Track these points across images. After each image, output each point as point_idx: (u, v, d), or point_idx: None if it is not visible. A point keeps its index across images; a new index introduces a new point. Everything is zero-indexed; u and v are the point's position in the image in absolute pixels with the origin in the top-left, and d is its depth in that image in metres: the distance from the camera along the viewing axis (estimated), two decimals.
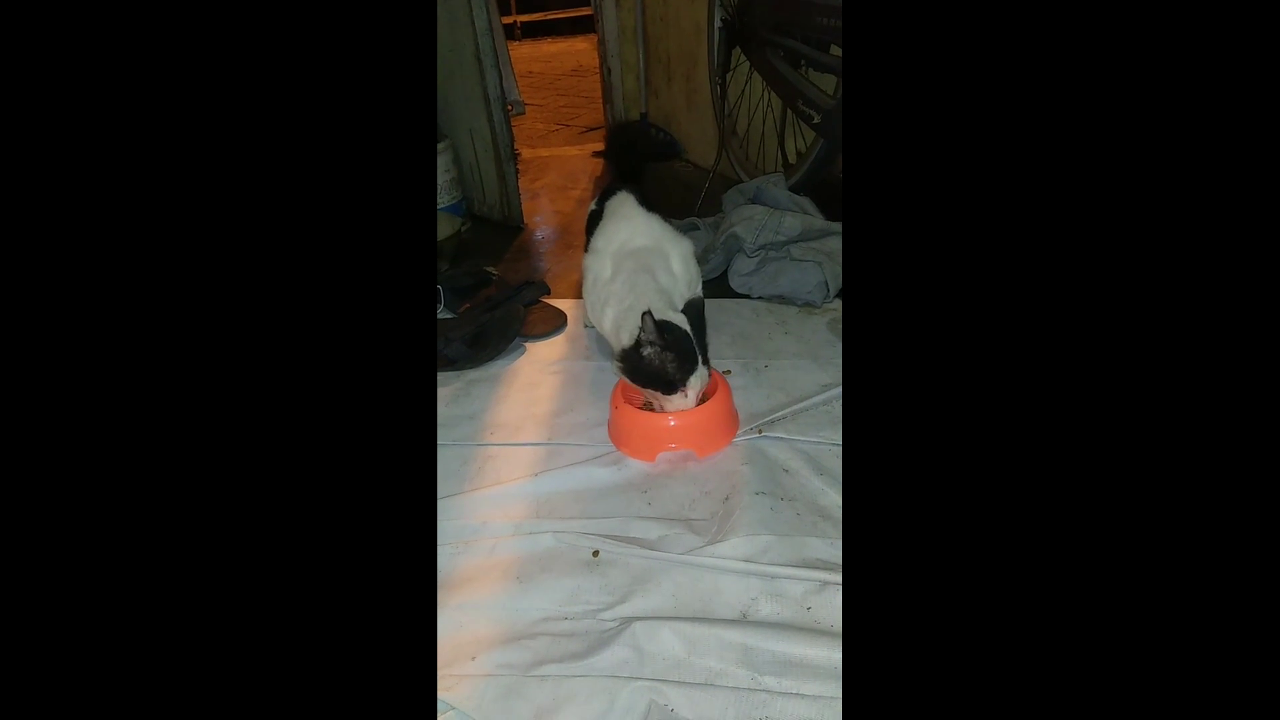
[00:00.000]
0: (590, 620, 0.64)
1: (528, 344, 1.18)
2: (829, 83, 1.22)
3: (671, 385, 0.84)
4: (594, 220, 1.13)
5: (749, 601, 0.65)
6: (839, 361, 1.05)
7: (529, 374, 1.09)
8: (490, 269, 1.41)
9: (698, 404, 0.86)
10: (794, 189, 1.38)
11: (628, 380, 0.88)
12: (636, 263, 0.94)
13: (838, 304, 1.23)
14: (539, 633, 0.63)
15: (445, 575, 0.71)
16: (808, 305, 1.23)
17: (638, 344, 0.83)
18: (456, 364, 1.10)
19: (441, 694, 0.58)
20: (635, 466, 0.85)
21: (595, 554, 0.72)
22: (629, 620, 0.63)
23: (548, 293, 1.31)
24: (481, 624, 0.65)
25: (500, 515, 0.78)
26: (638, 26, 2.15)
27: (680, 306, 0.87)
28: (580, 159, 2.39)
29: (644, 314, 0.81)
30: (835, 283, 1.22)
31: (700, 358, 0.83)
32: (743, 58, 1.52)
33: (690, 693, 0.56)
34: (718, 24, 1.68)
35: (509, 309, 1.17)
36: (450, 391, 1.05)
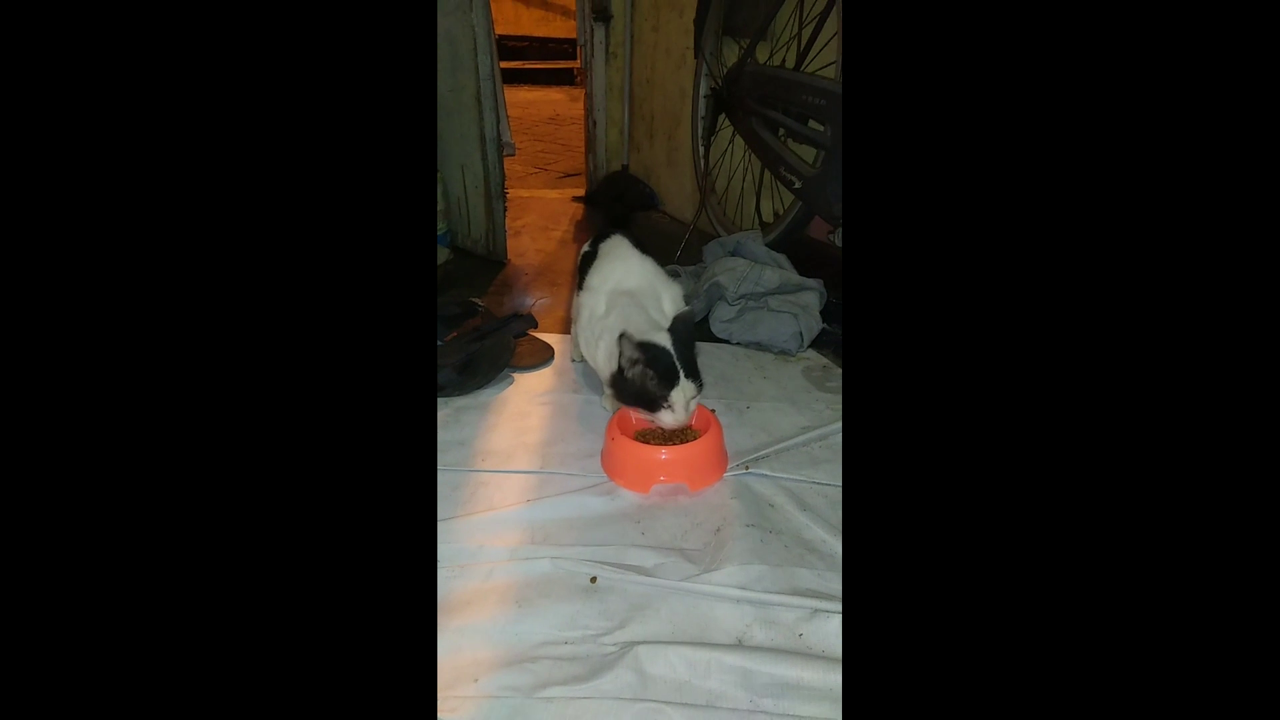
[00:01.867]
0: (591, 644, 0.65)
1: (516, 375, 1.20)
2: (809, 153, 1.34)
3: (655, 403, 0.87)
4: (587, 261, 1.18)
5: (744, 627, 0.68)
6: (816, 406, 1.12)
7: (518, 404, 1.11)
8: (476, 300, 1.43)
9: (689, 422, 0.89)
10: (771, 246, 1.48)
11: (623, 405, 0.92)
12: (631, 300, 0.99)
13: (811, 353, 1.31)
14: (541, 656, 0.64)
15: (443, 598, 0.70)
16: (783, 353, 1.31)
17: (620, 368, 0.88)
18: (445, 390, 1.11)
19: (446, 715, 0.57)
20: (628, 497, 0.88)
21: (593, 580, 0.73)
22: (630, 645, 0.64)
23: (535, 325, 1.34)
24: (482, 647, 0.64)
25: (496, 540, 0.79)
26: (625, 85, 2.29)
27: None
28: (560, 202, 2.47)
29: (620, 335, 0.86)
30: (809, 334, 1.31)
31: (682, 372, 0.87)
32: (726, 122, 1.64)
33: (692, 714, 0.58)
34: (704, 91, 1.82)
35: (499, 339, 1.19)
36: (440, 417, 1.05)
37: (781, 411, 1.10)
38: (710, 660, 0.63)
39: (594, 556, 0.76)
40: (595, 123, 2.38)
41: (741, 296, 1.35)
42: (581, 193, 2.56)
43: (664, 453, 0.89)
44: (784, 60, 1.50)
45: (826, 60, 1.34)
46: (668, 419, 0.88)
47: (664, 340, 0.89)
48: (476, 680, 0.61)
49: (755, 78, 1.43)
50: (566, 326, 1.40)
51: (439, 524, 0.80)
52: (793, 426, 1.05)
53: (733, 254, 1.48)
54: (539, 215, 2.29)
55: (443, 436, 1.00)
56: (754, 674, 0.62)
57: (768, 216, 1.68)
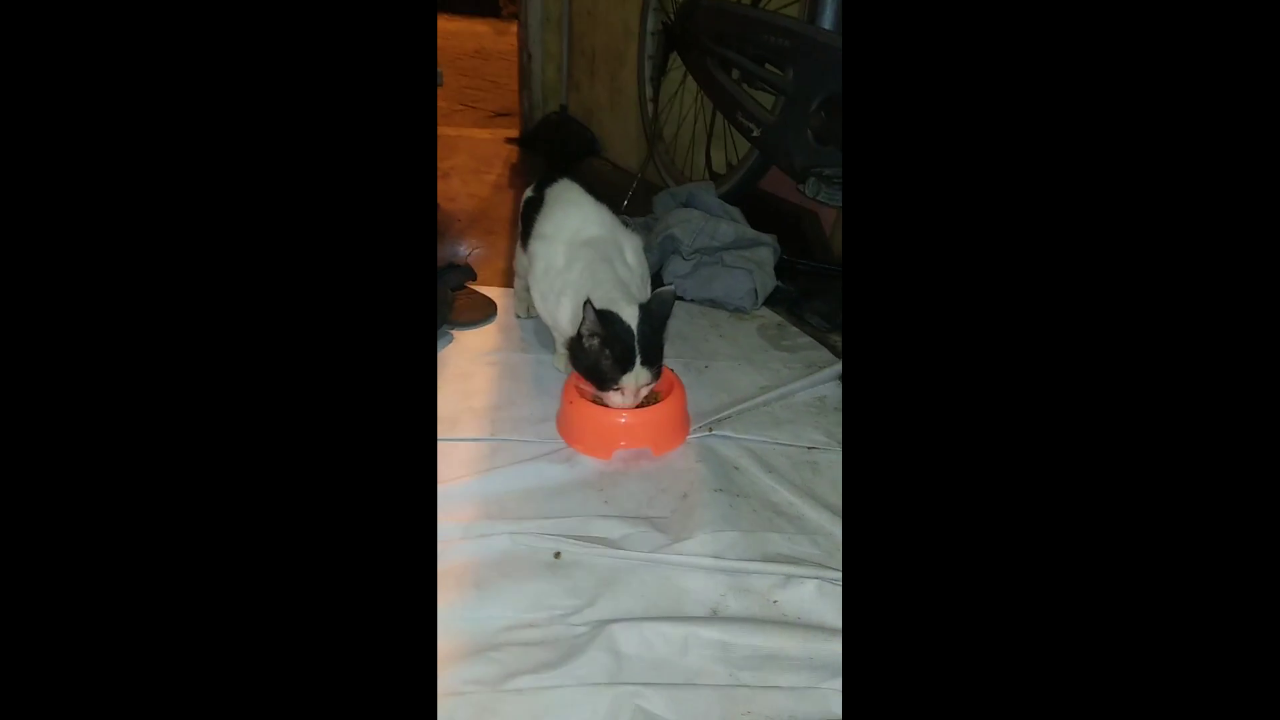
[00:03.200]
0: (560, 626, 0.61)
1: (455, 332, 1.09)
2: (767, 99, 1.27)
3: (604, 382, 0.82)
4: (532, 207, 1.08)
5: (718, 598, 0.65)
6: (773, 365, 1.09)
7: (460, 364, 1.01)
8: None
9: (640, 403, 0.84)
10: (723, 198, 1.42)
11: (574, 370, 0.85)
12: (594, 252, 0.91)
13: (765, 311, 1.29)
14: (506, 643, 0.58)
15: None
16: (738, 310, 1.28)
17: (579, 335, 0.81)
18: None
19: None
20: (588, 464, 0.82)
21: (557, 555, 0.68)
22: (602, 624, 0.60)
23: (474, 278, 1.23)
24: (440, 637, 0.58)
25: (446, 517, 0.71)
26: (564, 16, 2.11)
27: (640, 299, 0.85)
28: (492, 143, 2.28)
29: (585, 303, 0.79)
30: (764, 291, 1.28)
31: (639, 358, 0.80)
32: (678, 64, 1.54)
33: (673, 694, 0.55)
34: (653, 27, 1.70)
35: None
36: None
37: (740, 371, 1.07)
38: (687, 635, 0.60)
39: (556, 530, 0.71)
40: (530, 56, 2.18)
41: (696, 251, 1.29)
42: (514, 134, 2.37)
43: (627, 416, 0.83)
44: None
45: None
46: (615, 400, 0.83)
47: (630, 317, 0.81)
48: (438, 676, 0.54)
49: (712, 13, 1.34)
50: (508, 279, 1.30)
51: None
52: (752, 386, 1.02)
53: (684, 205, 1.41)
54: (469, 156, 2.10)
55: None
56: (732, 646, 0.60)
57: (719, 167, 1.61)
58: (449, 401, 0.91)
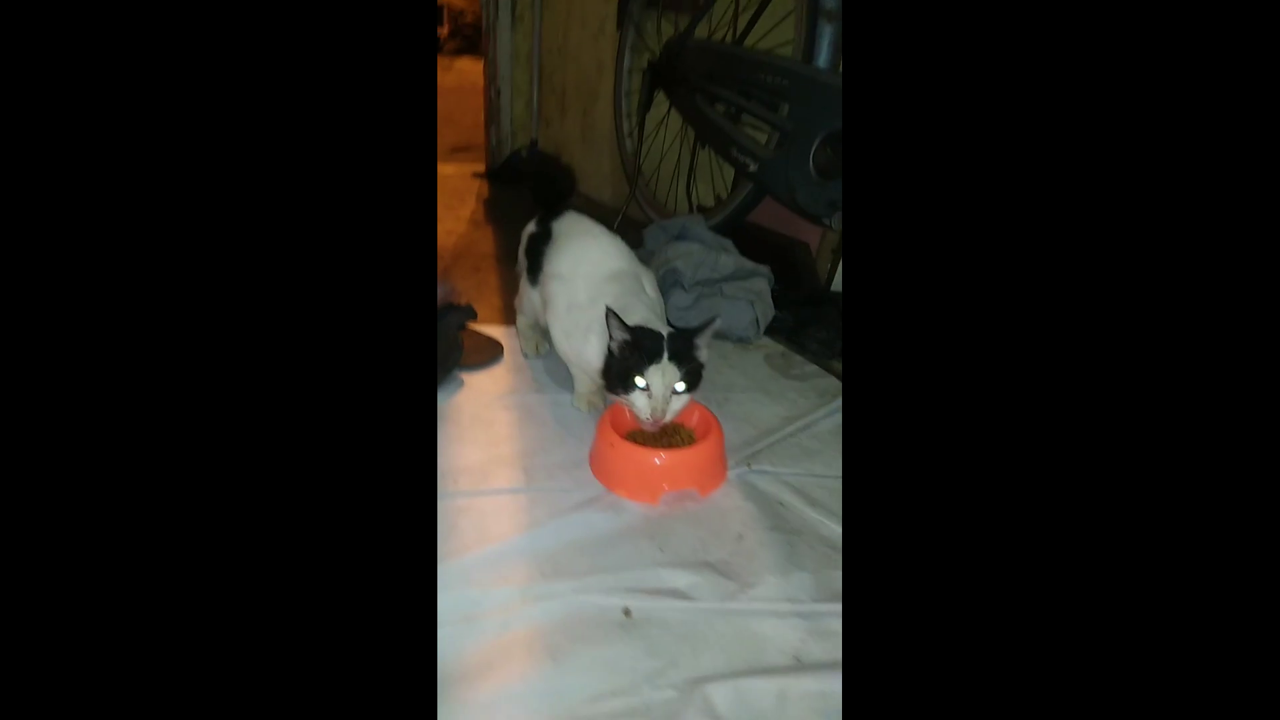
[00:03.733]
0: (649, 690, 0.56)
1: (464, 375, 1.03)
2: (761, 134, 1.31)
3: (629, 377, 0.79)
4: (539, 242, 1.05)
5: (798, 644, 0.63)
6: (789, 395, 1.10)
7: (477, 410, 0.95)
8: None
9: (665, 415, 0.81)
10: (714, 230, 1.44)
11: (608, 392, 0.84)
12: (620, 285, 0.89)
13: (767, 340, 1.29)
14: (596, 715, 0.53)
15: (455, 663, 0.56)
16: (741, 341, 1.28)
17: (610, 350, 0.81)
18: None
19: None
20: (634, 510, 0.79)
21: (627, 613, 0.64)
22: (692, 684, 0.56)
23: (474, 317, 1.17)
24: (523, 715, 0.52)
25: (501, 579, 0.66)
26: (533, 53, 2.11)
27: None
28: (459, 178, 2.23)
29: (607, 310, 0.79)
30: (764, 320, 1.29)
31: (667, 354, 0.79)
32: (661, 99, 1.56)
33: None
34: (630, 65, 1.72)
35: (441, 336, 1.02)
36: None
37: (758, 402, 1.06)
38: (781, 688, 0.57)
39: (618, 584, 0.67)
40: (499, 92, 2.17)
41: (698, 283, 1.29)
42: (477, 168, 2.33)
43: (671, 457, 0.80)
44: (725, 36, 1.46)
45: (779, 39, 1.31)
46: (640, 402, 0.80)
47: (661, 328, 0.81)
48: None
49: (701, 52, 1.37)
50: (505, 317, 1.25)
51: None
52: (774, 417, 1.02)
53: (677, 238, 1.42)
54: (438, 192, 2.04)
55: None
56: (829, 695, 0.57)
57: (706, 200, 1.63)
58: (475, 451, 0.86)
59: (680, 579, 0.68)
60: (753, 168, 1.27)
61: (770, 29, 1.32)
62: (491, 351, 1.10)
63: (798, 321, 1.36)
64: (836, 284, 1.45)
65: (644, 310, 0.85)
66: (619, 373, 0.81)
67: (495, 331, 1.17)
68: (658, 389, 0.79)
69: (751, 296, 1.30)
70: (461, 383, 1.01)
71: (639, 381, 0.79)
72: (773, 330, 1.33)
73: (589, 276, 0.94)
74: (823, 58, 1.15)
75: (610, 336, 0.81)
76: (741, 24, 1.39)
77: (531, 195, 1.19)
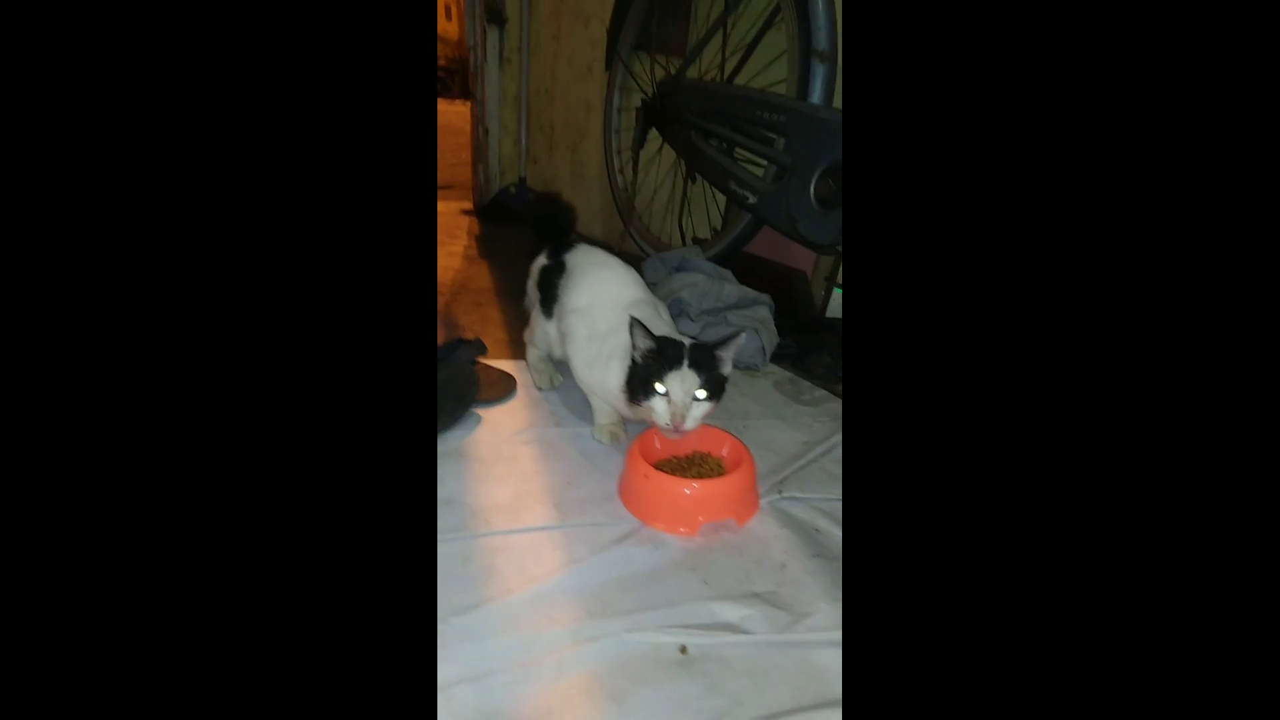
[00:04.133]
0: None
1: (479, 410, 1.01)
2: (758, 168, 1.34)
3: (650, 383, 0.80)
4: (550, 274, 1.05)
5: None
6: (804, 420, 1.10)
7: (498, 446, 0.93)
8: None
9: (683, 423, 0.80)
10: (711, 261, 1.46)
11: (632, 403, 0.83)
12: (640, 313, 0.89)
13: (774, 367, 1.31)
14: None
15: (515, 711, 0.53)
16: (749, 368, 1.29)
17: (633, 360, 0.82)
18: None
19: None
20: (672, 543, 0.77)
21: (683, 650, 0.61)
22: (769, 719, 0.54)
23: (484, 351, 1.16)
24: None
25: (548, 621, 0.63)
26: (521, 94, 2.15)
27: None
28: (448, 215, 2.23)
29: (632, 320, 0.81)
30: (770, 347, 1.31)
31: (687, 361, 0.80)
32: (652, 136, 1.60)
33: None
34: (619, 104, 1.77)
35: (456, 370, 1.00)
36: None
37: (776, 428, 1.06)
38: None
39: (669, 620, 0.64)
40: (487, 131, 2.19)
41: (704, 312, 1.30)
42: (465, 205, 2.34)
43: (708, 487, 0.79)
44: (713, 77, 1.51)
45: (766, 80, 1.37)
46: (660, 407, 0.80)
47: (683, 339, 0.83)
48: None
49: (698, 92, 1.41)
50: (512, 351, 1.24)
51: (468, 614, 0.62)
52: (794, 443, 1.02)
53: (678, 270, 1.43)
54: None
55: None
56: None
57: (701, 232, 1.66)
58: (503, 488, 0.83)
59: (731, 612, 0.67)
60: (752, 200, 1.30)
61: (760, 70, 1.38)
62: (505, 386, 1.07)
63: (801, 348, 1.38)
64: (833, 309, 1.48)
65: (664, 330, 0.86)
66: (640, 379, 0.81)
67: (504, 366, 1.15)
68: (677, 394, 0.79)
69: (756, 324, 1.31)
70: (479, 418, 0.99)
71: (659, 387, 0.80)
72: (777, 357, 1.34)
73: (607, 306, 0.94)
74: (817, 95, 1.20)
75: (634, 347, 0.82)
76: (729, 66, 1.45)
77: (534, 232, 1.20)
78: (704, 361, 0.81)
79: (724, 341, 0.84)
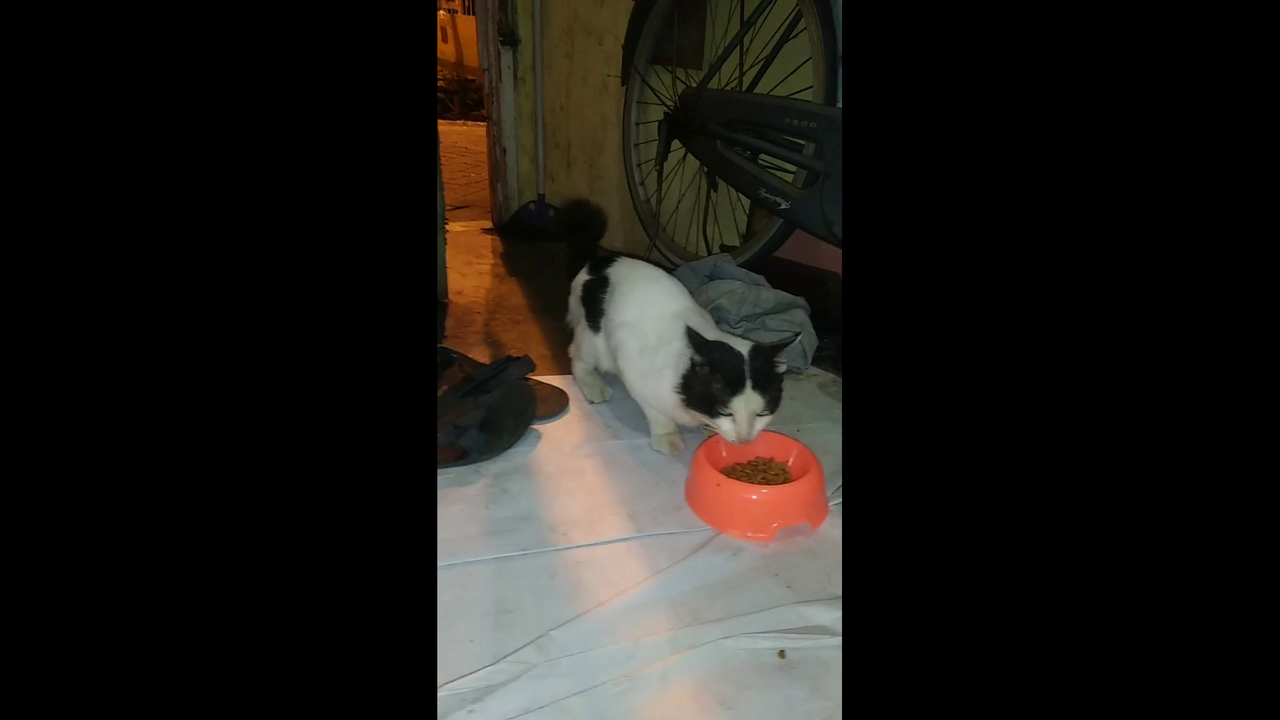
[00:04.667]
0: None
1: (538, 427, 1.02)
2: (787, 175, 1.36)
3: (715, 406, 0.81)
4: (594, 289, 1.07)
5: None
6: None
7: (561, 461, 0.94)
8: (446, 347, 1.22)
9: (753, 438, 0.82)
10: (744, 267, 1.47)
11: (688, 408, 0.84)
12: (692, 323, 0.90)
13: (816, 370, 1.32)
14: None
15: None
16: (792, 372, 1.30)
17: (690, 367, 0.83)
18: (469, 456, 0.90)
19: None
20: (749, 549, 0.77)
21: (781, 654, 0.62)
22: None
23: (534, 369, 1.17)
24: None
25: (644, 630, 0.63)
26: (536, 113, 2.18)
27: None
28: (469, 234, 2.25)
29: (687, 329, 0.82)
30: (811, 350, 1.32)
31: (750, 382, 0.81)
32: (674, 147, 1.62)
33: None
34: (637, 118, 1.79)
35: (513, 388, 1.01)
36: (479, 491, 0.85)
37: (830, 431, 1.07)
38: None
39: (762, 625, 0.65)
40: (504, 150, 2.22)
41: (742, 319, 1.31)
42: (485, 224, 2.36)
43: (780, 492, 0.80)
44: (734, 87, 1.53)
45: (789, 88, 1.39)
46: (726, 426, 0.81)
47: (741, 346, 0.83)
48: None
49: (722, 102, 1.43)
50: (557, 367, 1.25)
51: (568, 626, 0.63)
52: None
53: (710, 278, 1.45)
54: (452, 249, 2.06)
55: (499, 514, 0.80)
56: None
57: (729, 239, 1.68)
58: (575, 502, 0.84)
59: (821, 615, 0.67)
60: (784, 205, 1.31)
61: (783, 78, 1.40)
62: (559, 401, 1.09)
63: (838, 349, 1.39)
64: None
65: (714, 336, 0.87)
66: (700, 397, 0.82)
67: (553, 381, 1.16)
68: (743, 417, 0.81)
69: (795, 328, 1.32)
70: (539, 435, 1.00)
71: (724, 410, 0.81)
72: (818, 359, 1.35)
73: (656, 318, 0.95)
74: (843, 99, 1.22)
75: (690, 350, 0.83)
76: (749, 77, 1.47)
77: (565, 242, 1.22)
78: (765, 374, 0.82)
79: (782, 345, 0.85)
